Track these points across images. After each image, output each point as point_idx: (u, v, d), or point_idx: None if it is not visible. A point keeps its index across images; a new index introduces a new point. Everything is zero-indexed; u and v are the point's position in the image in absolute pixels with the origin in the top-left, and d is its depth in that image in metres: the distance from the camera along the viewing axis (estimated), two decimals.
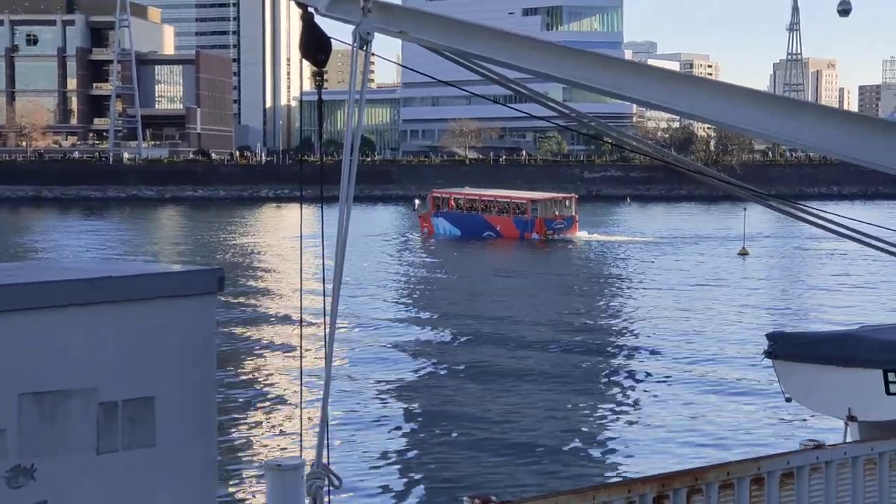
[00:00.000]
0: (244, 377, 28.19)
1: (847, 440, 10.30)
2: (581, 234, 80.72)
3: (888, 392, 10.38)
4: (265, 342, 34.08)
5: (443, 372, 29.61)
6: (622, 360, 31.39)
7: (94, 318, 4.51)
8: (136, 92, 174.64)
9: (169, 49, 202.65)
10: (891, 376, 10.35)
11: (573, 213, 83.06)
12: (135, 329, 4.63)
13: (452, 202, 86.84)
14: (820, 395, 11.22)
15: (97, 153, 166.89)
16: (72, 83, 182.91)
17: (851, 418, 10.74)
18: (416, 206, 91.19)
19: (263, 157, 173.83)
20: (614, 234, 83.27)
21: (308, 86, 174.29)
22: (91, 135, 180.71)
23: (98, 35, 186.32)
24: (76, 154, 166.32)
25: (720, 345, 32.99)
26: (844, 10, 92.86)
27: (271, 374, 28.86)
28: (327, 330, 6.16)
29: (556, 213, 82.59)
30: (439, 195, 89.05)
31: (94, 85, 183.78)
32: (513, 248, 74.30)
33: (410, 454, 21.16)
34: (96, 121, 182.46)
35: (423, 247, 75.68)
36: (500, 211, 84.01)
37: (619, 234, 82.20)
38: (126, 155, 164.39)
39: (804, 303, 43.89)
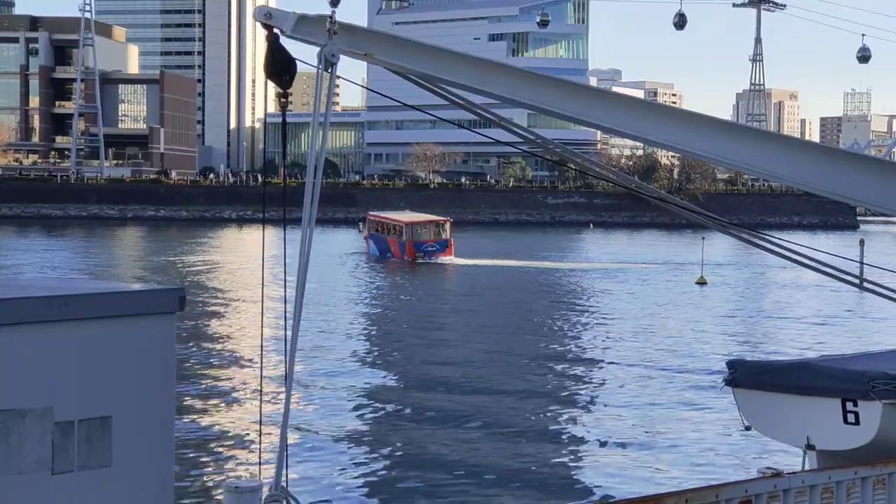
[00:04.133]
0: (204, 397, 27.99)
1: (805, 468, 10.35)
2: (455, 258, 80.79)
3: (846, 421, 10.45)
4: (225, 362, 33.89)
5: (406, 394, 29.53)
6: (576, 385, 31.40)
7: (50, 337, 4.46)
8: (99, 111, 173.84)
9: (133, 68, 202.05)
10: (848, 405, 10.42)
11: (447, 237, 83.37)
12: (93, 348, 4.58)
13: (378, 224, 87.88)
14: (779, 424, 11.27)
15: (58, 172, 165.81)
16: (34, 101, 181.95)
17: (810, 447, 10.79)
18: (360, 228, 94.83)
19: (227, 179, 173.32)
20: (493, 258, 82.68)
21: (273, 107, 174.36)
22: (53, 153, 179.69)
23: (62, 53, 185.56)
24: (37, 172, 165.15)
25: (678, 373, 33.07)
26: (864, 58, 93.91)
27: (231, 395, 28.68)
28: (288, 351, 6.13)
29: (429, 236, 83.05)
30: (372, 218, 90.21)
31: (57, 103, 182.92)
32: (387, 271, 74.11)
33: (374, 474, 21.07)
34: (58, 139, 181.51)
35: (360, 267, 76.00)
36: (391, 232, 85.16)
37: (506, 259, 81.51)
38: (88, 174, 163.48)
39: (763, 331, 44.13)
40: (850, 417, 10.39)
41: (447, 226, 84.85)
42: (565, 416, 27.25)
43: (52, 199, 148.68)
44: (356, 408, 27.57)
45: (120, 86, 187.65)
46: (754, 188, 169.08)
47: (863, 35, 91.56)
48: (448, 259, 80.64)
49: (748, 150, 9.36)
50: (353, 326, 44.02)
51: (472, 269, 74.90)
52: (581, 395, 29.97)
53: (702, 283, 63.66)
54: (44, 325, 4.46)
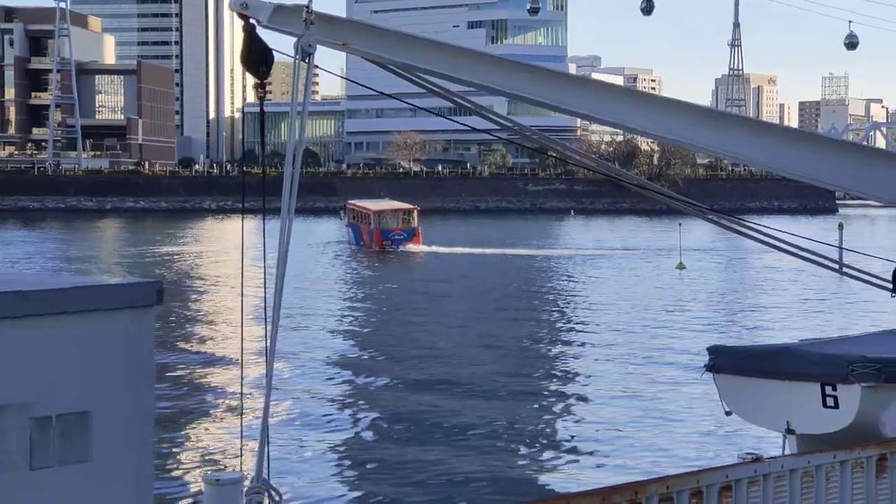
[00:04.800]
0: (183, 390, 27.95)
1: (786, 453, 10.41)
2: (423, 247, 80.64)
3: (825, 405, 10.51)
4: (205, 355, 33.84)
5: (387, 384, 29.55)
6: (559, 374, 31.46)
7: (27, 332, 4.45)
8: (76, 102, 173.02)
9: (110, 59, 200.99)
10: (828, 389, 10.48)
11: (415, 225, 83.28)
12: (70, 342, 4.56)
13: (353, 212, 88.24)
14: (759, 409, 11.32)
15: (35, 163, 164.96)
16: (10, 92, 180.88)
17: (790, 431, 10.85)
18: (341, 216, 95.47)
19: (206, 169, 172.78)
20: (465, 246, 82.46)
21: (251, 97, 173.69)
22: (29, 144, 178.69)
23: (37, 44, 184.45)
24: (13, 164, 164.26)
25: (658, 358, 33.18)
26: (851, 44, 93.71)
27: (211, 387, 28.65)
28: (268, 342, 6.13)
29: (396, 224, 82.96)
30: (349, 206, 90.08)
31: (33, 94, 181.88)
32: (357, 260, 73.96)
33: (354, 468, 21.08)
34: (35, 130, 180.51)
35: (337, 256, 75.97)
36: (363, 220, 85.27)
37: (484, 247, 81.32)
38: (65, 165, 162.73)
39: (743, 317, 44.28)
40: (830, 401, 10.45)
41: (415, 214, 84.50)
42: (544, 405, 27.30)
43: (29, 192, 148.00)
44: (337, 400, 27.57)
45: (97, 76, 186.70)
46: (734, 173, 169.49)
47: (850, 21, 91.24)
48: (415, 247, 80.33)
49: (727, 136, 9.40)
50: (328, 318, 44.00)
51: (445, 257, 74.72)
52: (560, 383, 30.02)
53: (681, 268, 63.84)
54: (19, 321, 4.44)
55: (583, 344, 36.50)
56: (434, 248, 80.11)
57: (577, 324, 41.81)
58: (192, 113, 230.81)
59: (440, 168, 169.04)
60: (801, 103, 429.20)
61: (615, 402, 27.01)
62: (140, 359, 4.79)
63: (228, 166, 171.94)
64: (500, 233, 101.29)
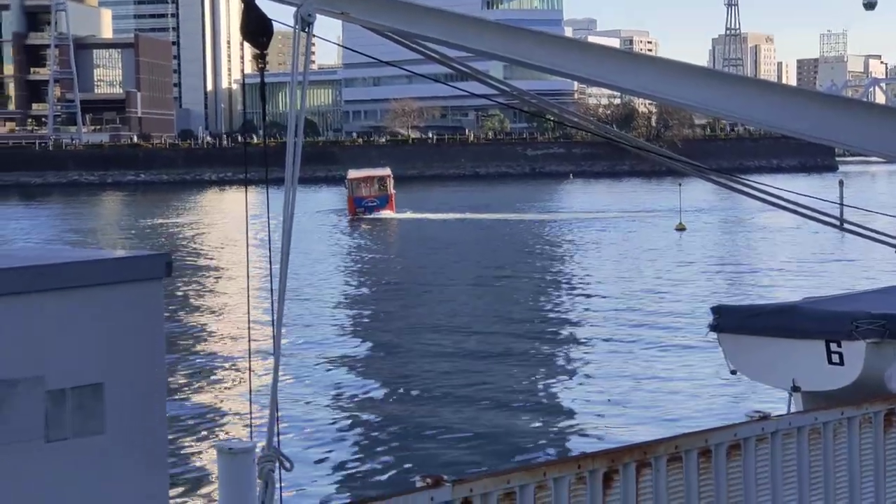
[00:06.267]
0: (193, 361, 28.04)
1: (791, 411, 10.44)
2: (396, 214, 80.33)
3: (830, 362, 10.53)
4: (213, 325, 33.93)
5: (390, 352, 29.63)
6: (563, 337, 31.52)
7: (39, 306, 4.46)
8: (74, 76, 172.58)
9: (107, 33, 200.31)
10: (832, 346, 10.49)
11: (389, 192, 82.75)
12: (81, 316, 4.58)
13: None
14: (764, 367, 11.34)
15: (36, 139, 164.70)
16: (8, 68, 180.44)
17: (795, 389, 10.87)
18: (345, 185, 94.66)
19: (206, 141, 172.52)
20: (439, 212, 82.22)
21: (249, 68, 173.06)
22: (29, 120, 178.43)
23: (34, 19, 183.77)
24: (14, 140, 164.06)
25: (662, 320, 33.22)
26: (870, 4, 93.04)
27: (220, 358, 28.74)
28: (275, 312, 6.14)
29: (368, 191, 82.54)
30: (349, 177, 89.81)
31: (32, 70, 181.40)
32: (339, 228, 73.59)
33: (363, 435, 21.17)
34: (34, 106, 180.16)
35: (350, 227, 75.91)
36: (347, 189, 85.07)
37: (447, 213, 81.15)
38: (65, 140, 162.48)
39: (745, 276, 44.30)
40: (835, 358, 10.47)
41: (388, 181, 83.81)
42: (548, 370, 27.38)
43: (30, 167, 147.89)
44: (343, 367, 27.64)
45: (94, 51, 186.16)
46: (733, 133, 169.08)
47: None
48: (389, 214, 79.90)
49: (724, 96, 9.37)
50: (322, 287, 44.03)
51: (423, 223, 74.34)
52: (563, 348, 30.08)
53: (681, 229, 63.78)
54: (31, 295, 4.46)
55: (584, 308, 36.53)
56: (410, 215, 79.79)
57: (577, 288, 41.83)
58: (190, 85, 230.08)
59: (431, 135, 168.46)
60: (798, 61, 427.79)
61: (620, 365, 27.07)
62: (150, 330, 4.81)
63: (228, 138, 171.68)
64: (498, 197, 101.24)
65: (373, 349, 30.06)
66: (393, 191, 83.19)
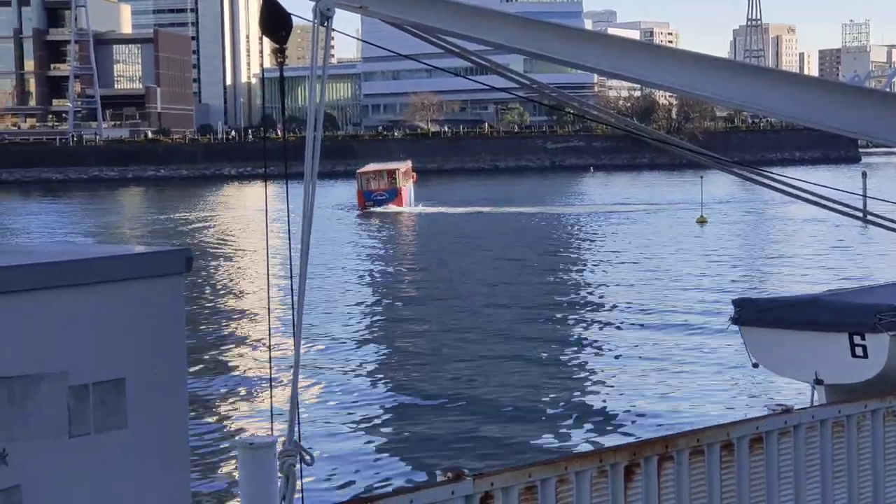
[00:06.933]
0: (213, 357, 28.12)
1: (814, 404, 10.41)
2: (405, 207, 79.76)
3: (854, 355, 10.49)
4: (233, 321, 34.02)
5: (409, 346, 29.65)
6: (584, 330, 31.47)
7: (61, 302, 4.49)
8: (94, 72, 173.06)
9: (126, 28, 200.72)
10: (856, 339, 10.46)
11: (398, 185, 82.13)
12: (103, 311, 4.61)
13: None
14: (787, 360, 11.32)
15: (57, 135, 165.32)
16: (29, 64, 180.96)
17: (818, 382, 10.85)
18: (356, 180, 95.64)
19: (225, 136, 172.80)
20: (456, 205, 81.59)
21: (269, 63, 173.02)
22: (50, 116, 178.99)
23: (54, 15, 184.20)
24: (35, 136, 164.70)
25: (684, 313, 33.15)
26: None
27: (240, 353, 28.82)
28: (295, 307, 6.15)
29: (378, 185, 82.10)
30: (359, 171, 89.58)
31: (52, 66, 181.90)
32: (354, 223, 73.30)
33: (383, 429, 21.20)
34: (55, 102, 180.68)
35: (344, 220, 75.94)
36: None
37: (464, 206, 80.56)
38: (86, 136, 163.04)
39: (767, 268, 44.16)
40: (858, 351, 10.44)
41: (398, 174, 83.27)
42: (569, 363, 27.36)
43: (51, 163, 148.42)
44: (364, 363, 27.68)
45: (114, 46, 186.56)
46: (755, 125, 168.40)
47: None
48: (397, 208, 79.38)
49: (746, 88, 9.33)
50: (335, 284, 44.09)
51: (437, 217, 74.21)
52: (584, 341, 30.04)
53: (702, 222, 63.61)
54: (54, 291, 4.48)
55: (605, 301, 36.48)
56: (422, 209, 79.65)
57: (598, 281, 41.77)
58: (210, 80, 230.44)
59: (450, 129, 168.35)
60: (821, 51, 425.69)
61: (641, 358, 27.02)
62: (171, 326, 4.83)
63: (247, 133, 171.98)
64: (518, 191, 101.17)
65: (390, 346, 30.08)
66: (403, 185, 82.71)
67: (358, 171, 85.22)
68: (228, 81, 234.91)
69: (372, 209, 79.08)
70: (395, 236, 64.31)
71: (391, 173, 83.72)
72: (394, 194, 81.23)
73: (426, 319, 33.91)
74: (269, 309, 31.00)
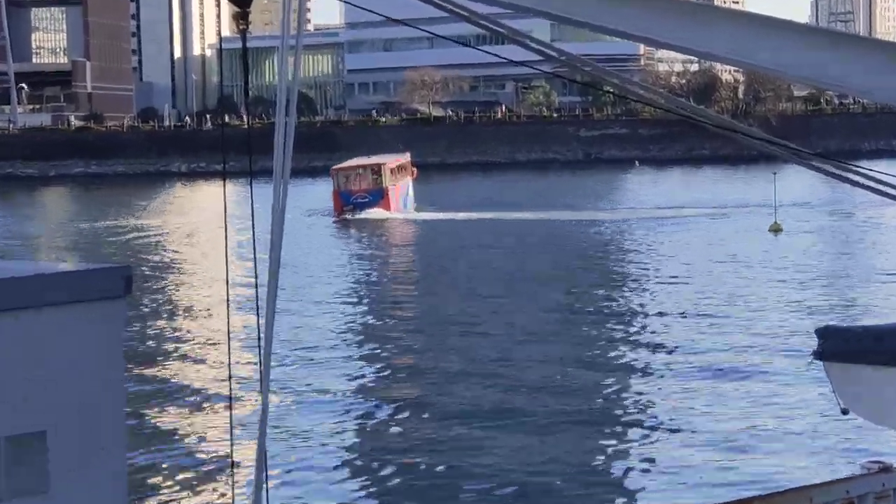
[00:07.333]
0: (160, 402, 28.12)
1: None
2: (394, 213, 79.68)
3: None
4: (184, 358, 34.03)
5: (396, 395, 29.57)
6: (635, 365, 31.51)
7: None
8: (7, 42, 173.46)
9: None
10: None
11: (384, 185, 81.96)
12: (19, 346, 4.60)
13: None
14: (884, 405, 11.29)
15: None
16: None
17: None
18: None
19: (173, 122, 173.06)
20: (459, 209, 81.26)
21: (229, 30, 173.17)
22: None
23: None
24: None
25: (754, 344, 33.14)
26: None
27: (193, 400, 28.77)
28: (262, 350, 6.13)
29: (358, 184, 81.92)
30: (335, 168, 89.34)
31: None
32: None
33: (370, 490, 21.26)
34: None
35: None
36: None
37: (469, 211, 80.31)
38: None
39: (857, 290, 44.07)
40: None
41: (385, 170, 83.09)
42: (624, 403, 27.51)
43: None
44: (343, 414, 27.68)
45: (32, 9, 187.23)
46: (843, 107, 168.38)
47: None
48: (382, 213, 79.03)
49: (830, 61, 9.32)
50: (324, 306, 44.06)
51: (439, 225, 73.95)
52: (641, 376, 30.13)
53: (776, 230, 63.55)
54: None
55: (660, 328, 36.51)
56: (416, 215, 79.54)
57: (650, 304, 41.75)
58: (154, 52, 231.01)
59: (456, 112, 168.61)
60: None
61: (705, 398, 27.05)
62: (106, 363, 4.83)
63: (201, 118, 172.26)
64: (535, 192, 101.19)
65: (383, 386, 30.15)
66: (393, 184, 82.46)
67: (333, 167, 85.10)
68: (177, 54, 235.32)
69: (350, 215, 78.89)
70: (374, 255, 63.94)
71: (376, 169, 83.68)
72: (379, 196, 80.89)
73: (429, 352, 33.96)
74: (228, 344, 30.98)
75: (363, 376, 31.48)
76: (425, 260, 59.62)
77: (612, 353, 33.38)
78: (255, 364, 6.09)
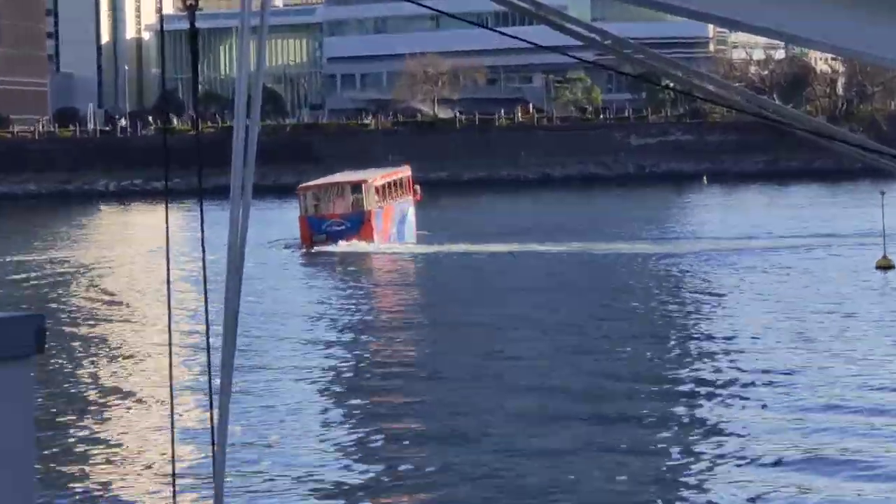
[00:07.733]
0: (80, 480, 28.25)
1: None
2: (385, 245, 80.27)
3: None
4: (115, 427, 34.14)
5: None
6: (704, 441, 31.67)
7: None
8: None
9: None
10: None
11: (365, 208, 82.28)
12: None
13: None
14: None
15: None
16: None
17: None
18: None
19: (99, 127, 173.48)
20: (470, 241, 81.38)
21: (172, 7, 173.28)
22: None
23: None
24: None
25: (856, 413, 33.35)
26: None
27: (123, 476, 28.94)
28: (217, 404, 6.17)
29: (331, 207, 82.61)
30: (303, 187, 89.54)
31: None
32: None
33: None
34: None
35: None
36: None
37: (484, 243, 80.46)
38: None
39: None
40: None
41: (368, 189, 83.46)
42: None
43: None
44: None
45: None
46: None
47: None
48: (365, 246, 79.25)
49: None
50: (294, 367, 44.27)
51: (442, 260, 74.04)
52: (708, 456, 30.29)
53: (886, 266, 63.57)
54: None
55: (735, 395, 36.62)
56: (412, 248, 79.80)
57: (719, 362, 41.85)
58: (75, 36, 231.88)
59: (465, 114, 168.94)
60: None
61: (792, 489, 27.20)
62: (15, 432, 4.86)
63: (134, 121, 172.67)
64: (573, 216, 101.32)
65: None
66: (377, 206, 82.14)
67: (301, 185, 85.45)
68: (105, 38, 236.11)
69: (321, 247, 79.08)
70: (347, 305, 63.85)
71: (356, 187, 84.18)
72: (358, 222, 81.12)
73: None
74: (172, 407, 31.09)
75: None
76: (423, 311, 59.64)
77: (677, 414, 33.55)
78: (207, 430, 6.12)
